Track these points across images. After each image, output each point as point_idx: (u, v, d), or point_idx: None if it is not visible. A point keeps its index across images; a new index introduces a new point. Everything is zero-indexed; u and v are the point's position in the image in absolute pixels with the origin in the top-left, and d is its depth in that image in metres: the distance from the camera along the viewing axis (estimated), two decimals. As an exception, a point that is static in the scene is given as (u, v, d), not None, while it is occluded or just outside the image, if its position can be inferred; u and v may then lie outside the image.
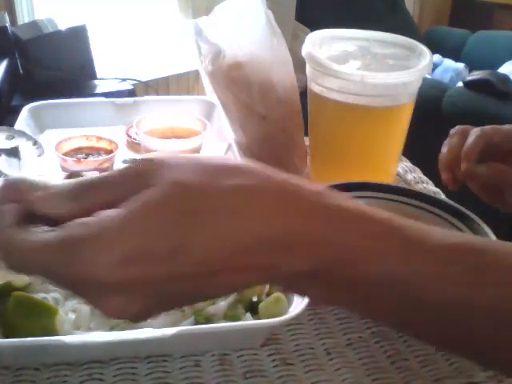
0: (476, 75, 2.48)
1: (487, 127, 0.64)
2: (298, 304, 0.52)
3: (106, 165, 0.84)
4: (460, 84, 2.57)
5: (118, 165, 0.68)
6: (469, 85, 2.47)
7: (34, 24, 2.01)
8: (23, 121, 0.91)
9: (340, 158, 0.79)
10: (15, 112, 0.94)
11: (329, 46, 0.78)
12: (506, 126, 0.64)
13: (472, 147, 0.62)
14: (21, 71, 1.97)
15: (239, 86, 0.77)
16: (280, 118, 0.77)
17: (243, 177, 0.32)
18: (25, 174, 0.80)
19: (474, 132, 0.64)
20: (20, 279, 0.54)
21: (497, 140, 0.63)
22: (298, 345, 0.55)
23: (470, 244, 0.35)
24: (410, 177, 0.86)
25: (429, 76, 2.59)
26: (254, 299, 0.54)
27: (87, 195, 0.31)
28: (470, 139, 0.63)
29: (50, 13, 2.19)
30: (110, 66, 2.16)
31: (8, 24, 1.92)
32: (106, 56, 2.20)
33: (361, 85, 0.70)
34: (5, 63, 1.84)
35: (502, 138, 0.64)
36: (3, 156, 0.78)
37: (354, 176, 0.73)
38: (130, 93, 1.91)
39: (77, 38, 1.99)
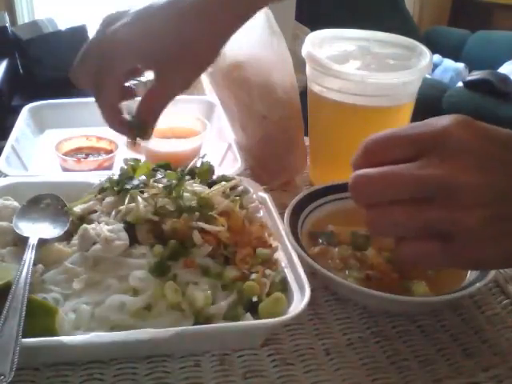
0: (476, 75, 2.48)
1: None
2: (298, 304, 0.52)
3: (105, 165, 0.84)
4: (460, 84, 2.57)
5: (118, 165, 0.68)
6: (469, 85, 2.48)
7: (34, 24, 2.01)
8: (23, 121, 0.91)
9: (340, 158, 0.79)
10: (15, 112, 0.94)
11: (329, 45, 0.78)
12: None
13: None
14: (21, 71, 1.97)
15: (239, 86, 0.77)
16: (280, 118, 0.77)
17: None
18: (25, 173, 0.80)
19: None
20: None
21: None
22: (297, 345, 0.55)
23: None
24: (410, 177, 0.86)
25: (429, 76, 2.59)
26: (254, 299, 0.54)
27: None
28: None
29: (50, 13, 2.19)
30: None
31: (8, 24, 1.92)
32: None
33: (361, 85, 0.70)
34: (5, 63, 1.84)
35: None
36: (3, 155, 0.78)
37: (354, 176, 0.73)
38: (130, 93, 1.91)
39: (77, 38, 2.00)
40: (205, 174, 0.66)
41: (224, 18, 0.57)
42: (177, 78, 0.58)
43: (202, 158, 0.67)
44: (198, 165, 0.67)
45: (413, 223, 0.39)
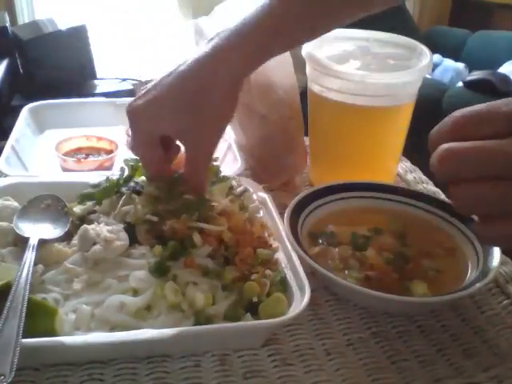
0: (476, 75, 2.48)
1: None
2: (298, 304, 0.52)
3: (106, 165, 0.84)
4: (460, 84, 2.56)
5: (118, 165, 0.68)
6: (469, 85, 2.47)
7: (34, 24, 2.01)
8: (23, 121, 0.91)
9: (340, 158, 0.79)
10: (15, 112, 0.94)
11: (329, 45, 0.78)
12: None
13: None
14: (21, 71, 1.97)
15: (239, 86, 0.77)
16: (280, 118, 0.77)
17: None
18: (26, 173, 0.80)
19: None
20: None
21: None
22: (297, 345, 0.55)
23: None
24: (410, 177, 0.86)
25: (429, 76, 2.59)
26: (254, 299, 0.54)
27: None
28: None
29: (50, 13, 2.19)
30: (110, 66, 2.16)
31: (8, 24, 1.92)
32: (106, 56, 2.20)
33: (361, 85, 0.70)
34: (5, 63, 1.84)
35: None
36: (3, 156, 0.78)
37: (354, 176, 0.73)
38: (130, 93, 1.91)
39: (77, 38, 2.00)
40: (211, 176, 0.66)
41: (235, 63, 0.57)
42: (200, 145, 0.59)
43: (215, 160, 0.66)
44: None
45: (503, 200, 0.38)
